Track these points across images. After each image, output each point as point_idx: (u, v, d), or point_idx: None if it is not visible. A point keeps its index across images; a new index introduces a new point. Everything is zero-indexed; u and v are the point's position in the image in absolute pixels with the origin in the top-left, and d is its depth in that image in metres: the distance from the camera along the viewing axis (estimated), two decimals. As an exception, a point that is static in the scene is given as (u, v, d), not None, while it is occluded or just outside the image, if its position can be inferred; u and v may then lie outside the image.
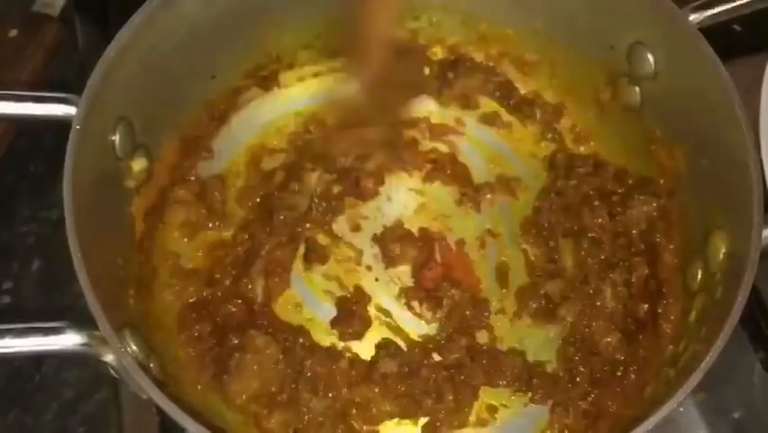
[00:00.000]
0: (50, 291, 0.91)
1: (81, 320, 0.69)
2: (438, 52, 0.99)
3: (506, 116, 0.97)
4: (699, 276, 0.79)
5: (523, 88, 0.98)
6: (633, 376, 0.82)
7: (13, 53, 0.99)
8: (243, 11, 0.87)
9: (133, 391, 0.83)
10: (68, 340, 0.69)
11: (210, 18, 0.84)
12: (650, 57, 0.83)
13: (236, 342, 0.82)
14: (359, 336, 0.86)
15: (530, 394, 0.83)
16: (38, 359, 0.91)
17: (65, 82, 0.99)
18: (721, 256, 0.75)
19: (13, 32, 1.00)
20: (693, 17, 0.80)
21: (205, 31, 0.85)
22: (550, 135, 0.96)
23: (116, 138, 0.78)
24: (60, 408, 0.89)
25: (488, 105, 0.98)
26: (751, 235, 0.70)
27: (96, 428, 0.88)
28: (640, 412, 0.70)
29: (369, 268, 0.90)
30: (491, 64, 0.98)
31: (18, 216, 0.98)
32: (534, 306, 0.87)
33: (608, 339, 0.83)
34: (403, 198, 0.93)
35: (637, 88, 0.87)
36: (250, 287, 0.86)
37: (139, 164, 0.82)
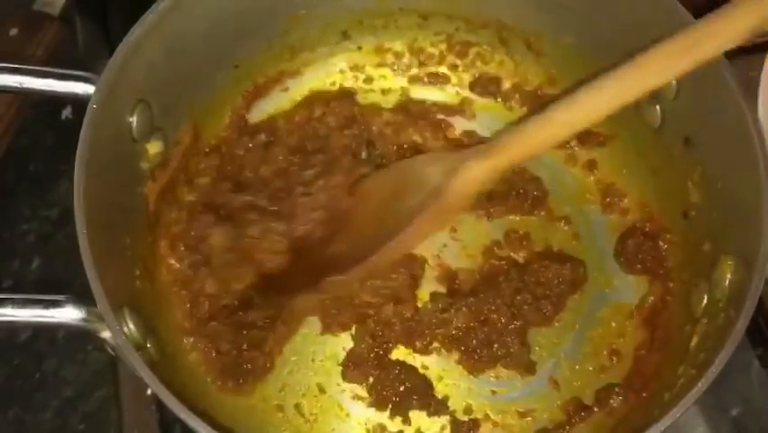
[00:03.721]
0: (49, 290, 0.93)
1: (83, 296, 0.70)
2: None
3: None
4: (704, 302, 0.78)
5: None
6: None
7: (13, 52, 0.99)
8: (269, 4, 0.88)
9: (133, 390, 0.86)
10: (68, 314, 0.70)
11: (236, 8, 0.85)
12: (672, 76, 0.82)
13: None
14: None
15: None
16: (38, 357, 0.92)
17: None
18: (726, 283, 0.74)
19: (14, 31, 1.00)
20: (717, 39, 0.79)
21: (230, 20, 0.85)
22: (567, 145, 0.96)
23: (134, 120, 0.79)
24: (60, 406, 0.90)
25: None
26: (756, 264, 0.69)
27: (96, 425, 0.89)
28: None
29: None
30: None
31: (18, 214, 1.00)
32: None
33: None
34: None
35: (658, 107, 0.86)
36: None
37: (155, 147, 0.83)
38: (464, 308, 0.86)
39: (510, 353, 0.85)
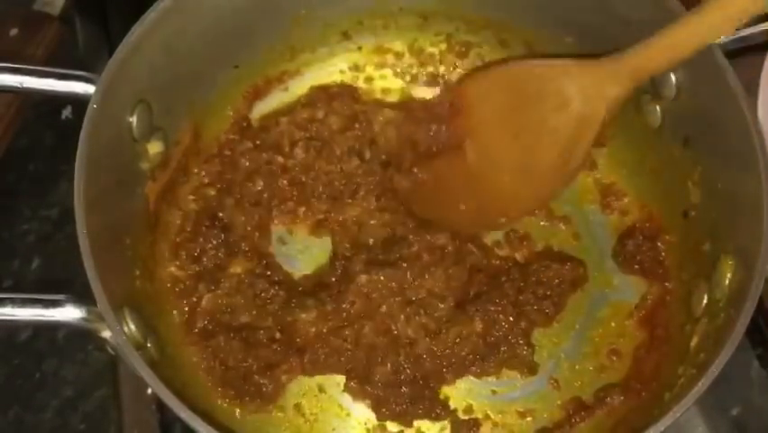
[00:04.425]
0: (49, 290, 0.93)
1: (83, 296, 0.70)
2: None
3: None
4: (705, 302, 0.78)
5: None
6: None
7: (13, 52, 0.99)
8: (270, 4, 0.88)
9: (133, 390, 0.86)
10: (68, 314, 0.70)
11: (236, 8, 0.85)
12: (672, 76, 0.81)
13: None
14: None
15: None
16: (38, 357, 0.92)
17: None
18: (726, 283, 0.74)
19: (14, 31, 1.01)
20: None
21: (231, 20, 0.85)
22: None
23: (134, 120, 0.79)
24: (60, 405, 0.90)
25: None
26: (756, 264, 0.69)
27: (96, 425, 0.89)
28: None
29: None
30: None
31: (18, 214, 1.00)
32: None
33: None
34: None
35: (658, 107, 0.85)
36: None
37: (155, 147, 0.83)
38: (477, 319, 0.85)
39: (517, 354, 0.85)
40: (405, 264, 0.86)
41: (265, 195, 0.91)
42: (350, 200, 0.91)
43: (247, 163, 0.91)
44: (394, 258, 0.87)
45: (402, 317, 0.84)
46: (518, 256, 0.91)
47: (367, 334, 0.84)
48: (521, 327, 0.85)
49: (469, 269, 0.88)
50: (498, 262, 0.90)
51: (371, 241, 0.89)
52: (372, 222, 0.90)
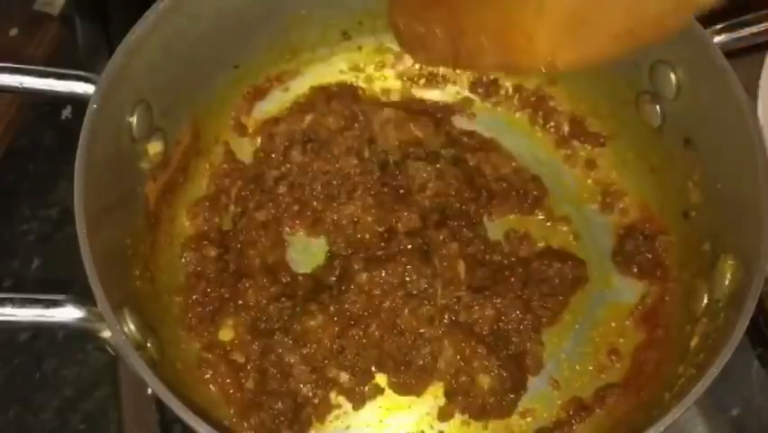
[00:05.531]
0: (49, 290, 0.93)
1: (83, 296, 0.70)
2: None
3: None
4: (704, 302, 0.78)
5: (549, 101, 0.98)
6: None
7: (13, 52, 1.00)
8: (270, 4, 0.88)
9: (133, 390, 0.85)
10: (68, 314, 0.70)
11: (236, 8, 0.85)
12: (672, 76, 0.81)
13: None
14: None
15: None
16: (38, 357, 0.92)
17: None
18: (726, 282, 0.74)
19: (14, 31, 1.02)
20: (718, 39, 0.79)
21: (231, 20, 0.85)
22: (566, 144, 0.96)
23: (134, 120, 0.79)
24: (60, 405, 0.90)
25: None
26: (756, 264, 0.69)
27: (96, 425, 0.89)
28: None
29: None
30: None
31: (19, 214, 1.00)
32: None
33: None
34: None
35: (658, 107, 0.85)
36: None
37: (155, 147, 0.83)
38: (489, 309, 0.84)
39: (527, 349, 0.85)
40: (404, 259, 0.85)
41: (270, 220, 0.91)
42: (346, 199, 0.91)
43: (239, 209, 0.92)
44: (392, 253, 0.86)
45: (406, 310, 0.84)
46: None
47: (374, 331, 0.84)
48: (529, 322, 0.85)
49: (470, 261, 0.88)
50: (499, 257, 0.90)
51: (368, 236, 0.89)
52: (369, 219, 0.89)
